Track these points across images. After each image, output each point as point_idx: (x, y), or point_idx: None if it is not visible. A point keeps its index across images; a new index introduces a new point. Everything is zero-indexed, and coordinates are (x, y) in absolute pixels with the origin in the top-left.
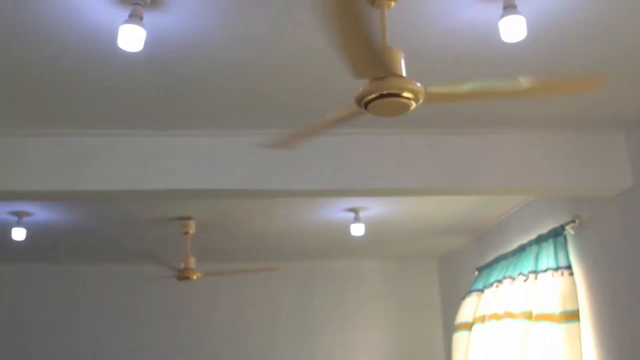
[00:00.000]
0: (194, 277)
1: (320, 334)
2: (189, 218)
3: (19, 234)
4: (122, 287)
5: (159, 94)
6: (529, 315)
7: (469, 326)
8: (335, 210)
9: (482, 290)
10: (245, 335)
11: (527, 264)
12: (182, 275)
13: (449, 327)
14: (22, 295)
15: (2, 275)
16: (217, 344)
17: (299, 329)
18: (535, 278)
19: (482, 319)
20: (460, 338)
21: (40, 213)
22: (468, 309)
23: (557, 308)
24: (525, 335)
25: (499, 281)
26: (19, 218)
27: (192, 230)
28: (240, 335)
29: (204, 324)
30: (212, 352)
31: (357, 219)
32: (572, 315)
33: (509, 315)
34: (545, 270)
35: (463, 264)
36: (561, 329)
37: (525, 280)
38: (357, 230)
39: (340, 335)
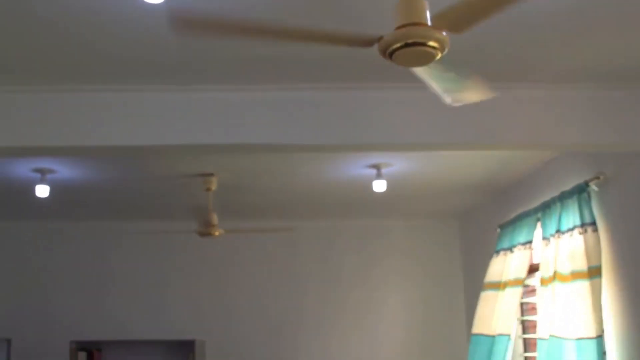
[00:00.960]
0: (216, 234)
1: (341, 292)
2: (211, 174)
3: (42, 191)
4: (144, 243)
5: (181, 47)
6: (553, 274)
7: (497, 285)
8: (357, 167)
9: (509, 250)
10: (268, 292)
11: (552, 222)
12: (204, 232)
13: (470, 284)
14: (46, 252)
15: (26, 233)
16: (238, 301)
17: (321, 286)
18: (560, 236)
19: (512, 279)
20: (488, 297)
21: (63, 170)
22: (496, 268)
23: (581, 265)
24: (552, 294)
25: (524, 240)
26: (42, 175)
27: (214, 187)
28: (262, 293)
29: (226, 281)
30: (234, 309)
31: (379, 176)
32: (596, 271)
33: (539, 276)
34: (570, 228)
35: (485, 221)
36: (585, 285)
37: (549, 240)
38: (379, 186)
39: (361, 292)
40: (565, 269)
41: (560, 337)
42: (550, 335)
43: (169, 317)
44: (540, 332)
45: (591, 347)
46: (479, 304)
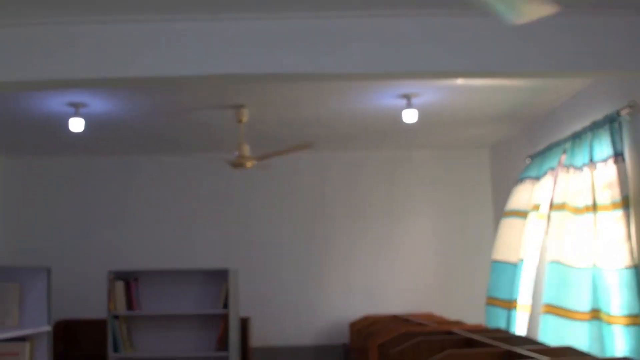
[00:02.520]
0: (248, 165)
1: (370, 221)
2: (242, 106)
3: (76, 125)
4: (177, 176)
5: None
6: (586, 204)
7: (522, 214)
8: (387, 97)
9: (536, 178)
10: (297, 223)
11: (582, 152)
12: (237, 163)
13: (499, 214)
14: (82, 185)
15: (61, 167)
16: (268, 232)
17: (349, 216)
18: (591, 166)
19: (538, 208)
20: (511, 224)
21: (97, 104)
22: (521, 196)
23: (613, 195)
24: (584, 224)
25: (554, 169)
26: (76, 109)
27: (245, 119)
28: (291, 223)
29: (257, 213)
30: (264, 239)
31: (409, 106)
32: (626, 201)
33: (566, 204)
34: (601, 158)
35: (515, 152)
36: (616, 216)
37: (580, 167)
38: (410, 116)
39: (390, 222)
40: (594, 199)
41: (583, 265)
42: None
43: (202, 248)
44: (554, 258)
45: (631, 276)
46: (500, 230)
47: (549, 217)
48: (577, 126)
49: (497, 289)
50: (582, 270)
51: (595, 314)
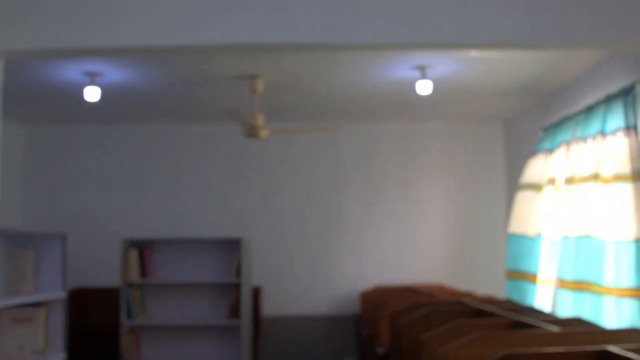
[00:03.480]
0: (262, 135)
1: (384, 193)
2: (257, 76)
3: (92, 94)
4: (192, 146)
5: None
6: (597, 176)
7: (536, 187)
8: (402, 69)
9: (550, 151)
10: (311, 193)
11: (596, 125)
12: (251, 133)
13: (513, 188)
14: (96, 154)
15: (78, 136)
16: (282, 202)
17: (363, 188)
18: (604, 138)
19: (554, 181)
20: (526, 197)
21: (112, 73)
22: (535, 169)
23: (626, 167)
24: (596, 196)
25: (568, 142)
26: (92, 78)
27: (260, 89)
28: (305, 194)
29: (271, 183)
30: (278, 209)
31: (423, 77)
32: (638, 174)
33: (581, 177)
34: (615, 130)
35: (529, 125)
36: (628, 188)
37: (594, 140)
38: (424, 88)
39: (403, 193)
40: (607, 171)
41: (594, 237)
42: (583, 235)
43: (215, 217)
44: (567, 231)
45: (629, 249)
46: (516, 203)
47: (564, 191)
48: (592, 99)
49: (517, 262)
50: (588, 240)
51: (593, 286)
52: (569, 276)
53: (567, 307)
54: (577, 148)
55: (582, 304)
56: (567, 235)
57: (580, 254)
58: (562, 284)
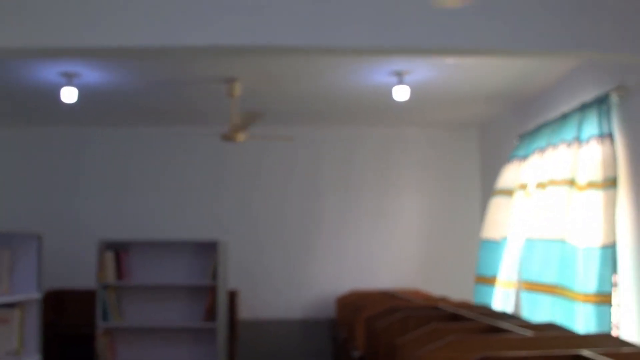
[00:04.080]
0: (239, 138)
1: (360, 198)
2: (235, 79)
3: (69, 95)
4: (169, 149)
5: None
6: (571, 182)
7: (508, 192)
8: (380, 74)
9: (524, 158)
10: (288, 197)
11: (571, 132)
12: (228, 136)
13: (488, 194)
14: (73, 156)
15: (53, 138)
16: (260, 206)
17: (340, 192)
18: (578, 145)
19: (525, 186)
20: (498, 203)
21: (89, 75)
22: (509, 175)
23: (598, 175)
24: (567, 202)
25: (542, 149)
26: (69, 79)
27: (237, 92)
28: (282, 198)
29: (248, 186)
30: (255, 213)
31: (400, 83)
32: (612, 182)
33: (552, 182)
34: (589, 138)
35: (504, 132)
36: (601, 195)
37: (568, 147)
38: (401, 94)
39: (380, 198)
40: (579, 178)
41: (564, 241)
42: (552, 239)
43: (192, 220)
44: (534, 234)
45: (595, 256)
46: (489, 209)
47: (534, 196)
48: (567, 107)
49: (484, 267)
50: (556, 245)
51: (561, 290)
52: (534, 278)
53: (533, 309)
54: (551, 154)
55: (547, 307)
56: (533, 237)
57: (549, 258)
58: (527, 286)
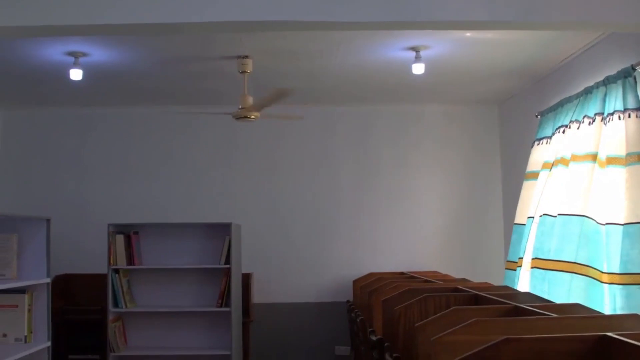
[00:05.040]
0: (252, 117)
1: (377, 178)
2: (247, 57)
3: (76, 74)
4: (180, 128)
5: None
6: (593, 158)
7: (536, 175)
8: (396, 49)
9: (550, 137)
10: (303, 177)
11: (594, 107)
12: (240, 115)
13: (508, 171)
14: (81, 138)
15: (61, 119)
16: (274, 186)
17: (356, 172)
18: (602, 120)
19: (550, 165)
20: (527, 186)
21: (97, 53)
22: (535, 156)
23: (622, 151)
24: (590, 178)
25: (565, 126)
26: (76, 58)
27: (249, 70)
28: (298, 178)
29: (262, 166)
30: (269, 193)
31: (417, 58)
32: (636, 158)
33: (574, 158)
34: (613, 113)
35: (525, 108)
36: (625, 171)
37: (590, 123)
38: (418, 69)
39: (397, 178)
40: (602, 154)
41: (586, 218)
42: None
43: (204, 202)
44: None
45: (618, 234)
46: (521, 193)
47: (558, 173)
48: (589, 81)
49: (513, 253)
50: (577, 221)
51: (583, 268)
52: (552, 256)
53: (551, 288)
54: (574, 130)
55: (567, 286)
56: (551, 214)
57: (569, 235)
58: (545, 264)
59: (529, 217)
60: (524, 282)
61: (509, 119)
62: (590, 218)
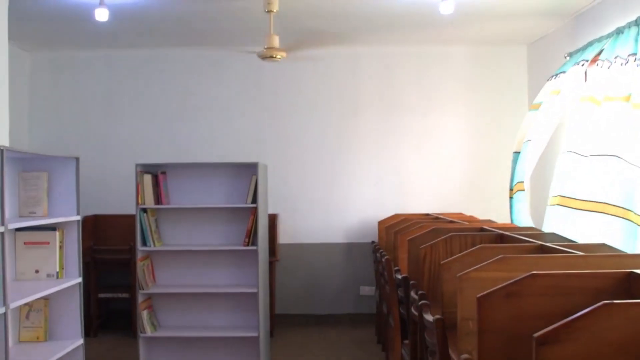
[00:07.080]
0: (278, 57)
1: (403, 118)
2: None
3: (101, 14)
4: (205, 69)
5: None
6: (627, 99)
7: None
8: None
9: (565, 72)
10: (327, 118)
11: (625, 47)
12: (266, 55)
13: None
14: (108, 79)
15: (88, 60)
16: (298, 126)
17: (382, 112)
18: (635, 61)
19: (558, 92)
20: (531, 116)
21: None
22: (547, 89)
23: None
24: (623, 119)
25: (587, 61)
26: None
27: (275, 9)
28: (321, 119)
29: (286, 106)
30: (294, 133)
31: None
32: None
33: (607, 98)
34: None
35: (553, 49)
36: None
37: (623, 64)
38: (446, 7)
39: (423, 119)
40: (635, 96)
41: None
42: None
43: (230, 142)
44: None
45: None
46: (522, 124)
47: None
48: (622, 21)
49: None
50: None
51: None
52: (580, 195)
53: (576, 227)
54: (599, 69)
55: (596, 225)
56: (581, 152)
57: (600, 175)
58: (572, 203)
59: (525, 141)
60: (550, 219)
61: (537, 60)
62: (624, 159)
